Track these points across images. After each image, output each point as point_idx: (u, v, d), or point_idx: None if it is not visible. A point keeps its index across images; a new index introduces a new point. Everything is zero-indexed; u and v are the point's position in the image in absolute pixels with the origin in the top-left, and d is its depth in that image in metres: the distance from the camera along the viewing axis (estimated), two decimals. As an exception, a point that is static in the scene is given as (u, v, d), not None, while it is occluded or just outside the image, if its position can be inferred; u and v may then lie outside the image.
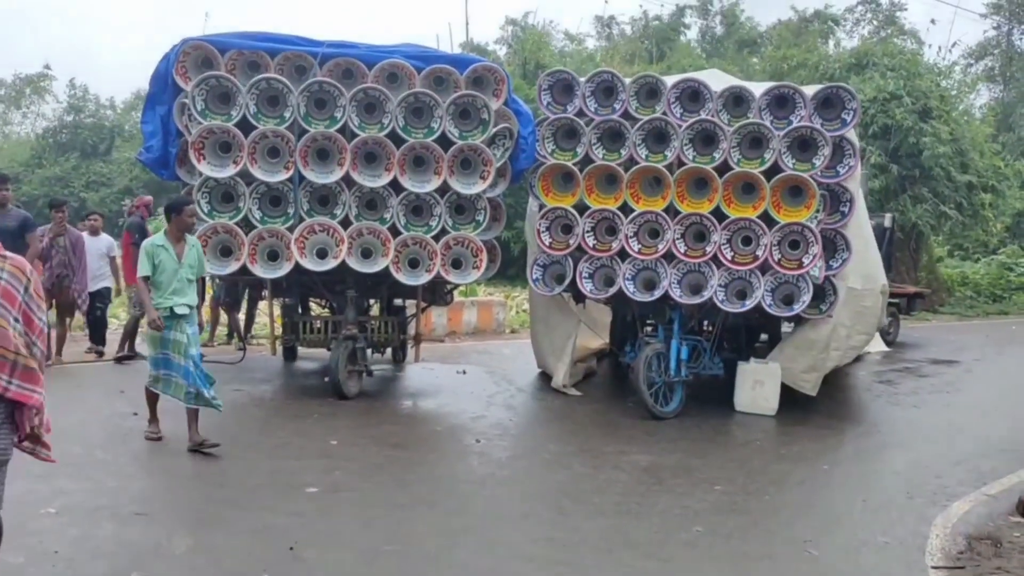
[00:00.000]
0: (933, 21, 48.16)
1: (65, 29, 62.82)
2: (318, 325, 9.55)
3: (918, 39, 31.59)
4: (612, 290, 8.87)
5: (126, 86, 59.30)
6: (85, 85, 36.53)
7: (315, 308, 10.85)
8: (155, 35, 50.10)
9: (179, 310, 6.60)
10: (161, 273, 6.58)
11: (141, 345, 10.01)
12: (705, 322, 9.55)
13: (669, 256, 8.64)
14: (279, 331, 9.94)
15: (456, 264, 8.88)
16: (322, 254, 8.52)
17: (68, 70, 61.69)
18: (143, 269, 6.63)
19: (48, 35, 59.66)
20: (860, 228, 9.61)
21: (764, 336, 10.75)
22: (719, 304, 8.53)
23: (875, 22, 36.11)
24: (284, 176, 8.42)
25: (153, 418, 6.97)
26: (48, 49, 60.85)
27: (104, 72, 53.97)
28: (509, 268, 16.79)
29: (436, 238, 8.69)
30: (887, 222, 15.99)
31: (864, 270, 9.72)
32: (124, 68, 55.62)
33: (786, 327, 10.04)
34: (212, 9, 66.65)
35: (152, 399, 6.89)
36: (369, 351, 9.38)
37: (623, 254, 8.79)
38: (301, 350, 10.95)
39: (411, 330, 9.93)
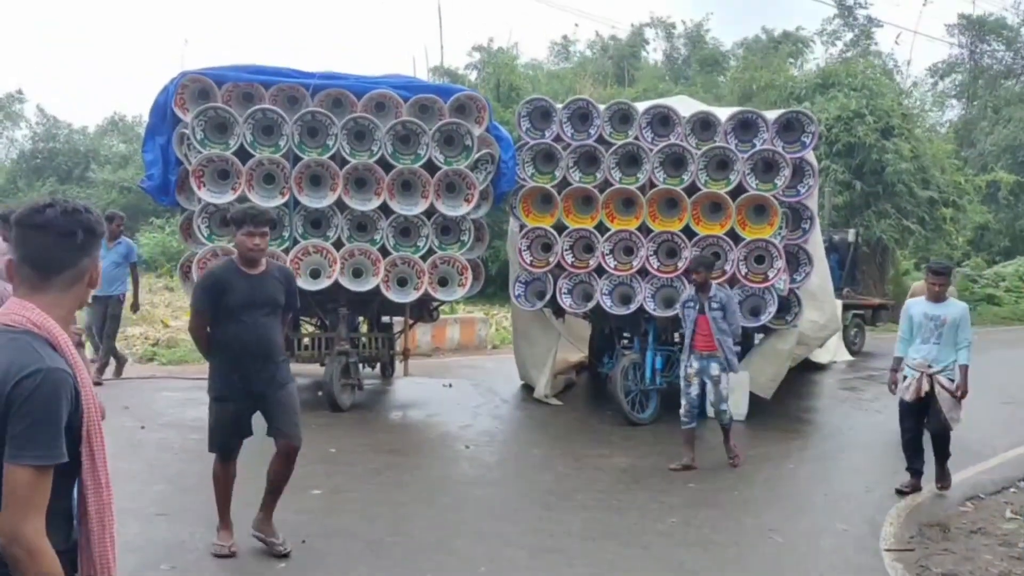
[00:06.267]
0: (897, 42, 49.45)
1: (39, 53, 62.95)
2: (306, 342, 10.02)
3: (884, 61, 32.55)
4: (590, 304, 9.40)
5: (99, 111, 59.46)
6: (54, 116, 36.79)
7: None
8: (134, 61, 50.54)
9: None
10: None
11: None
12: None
13: (643, 272, 9.19)
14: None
15: (442, 282, 9.39)
16: (316, 274, 8.98)
17: (40, 94, 61.77)
18: None
19: (20, 58, 59.74)
20: None
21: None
22: (691, 316, 9.07)
23: (851, 35, 36.91)
24: (280, 201, 8.89)
25: None
26: (20, 73, 60.91)
27: (79, 97, 54.07)
28: (488, 287, 17.04)
29: (423, 258, 9.20)
30: (851, 237, 16.71)
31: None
32: (100, 93, 55.82)
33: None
34: (190, 36, 67.27)
35: None
36: (360, 366, 9.84)
37: (600, 270, 9.33)
38: (294, 366, 11.32)
39: (398, 346, 10.41)
